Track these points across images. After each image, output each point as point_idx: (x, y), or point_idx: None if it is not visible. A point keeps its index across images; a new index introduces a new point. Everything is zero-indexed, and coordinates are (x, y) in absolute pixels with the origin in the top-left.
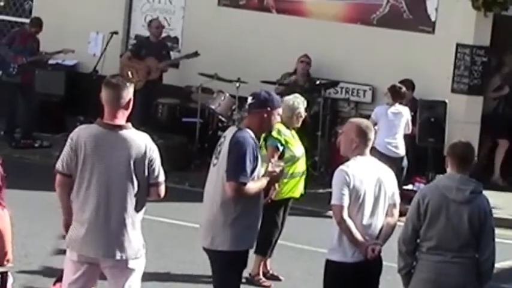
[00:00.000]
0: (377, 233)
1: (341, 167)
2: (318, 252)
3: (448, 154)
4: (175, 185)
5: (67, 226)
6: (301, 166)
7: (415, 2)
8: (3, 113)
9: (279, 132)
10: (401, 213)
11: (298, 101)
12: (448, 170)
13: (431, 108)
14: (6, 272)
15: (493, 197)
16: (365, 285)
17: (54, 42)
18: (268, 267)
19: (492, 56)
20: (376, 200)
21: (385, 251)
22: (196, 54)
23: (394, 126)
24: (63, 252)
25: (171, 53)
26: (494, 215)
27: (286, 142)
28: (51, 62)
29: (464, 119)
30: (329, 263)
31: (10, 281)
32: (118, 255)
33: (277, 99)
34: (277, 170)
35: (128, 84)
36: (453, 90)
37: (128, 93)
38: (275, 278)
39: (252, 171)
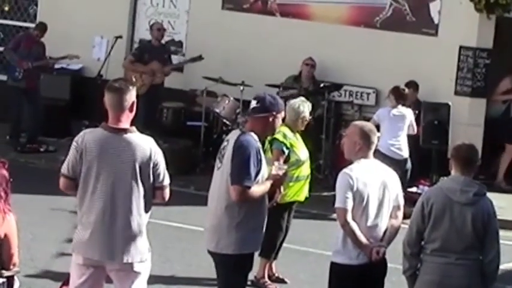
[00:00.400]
0: (381, 235)
1: (345, 170)
2: (323, 254)
3: (452, 156)
4: (180, 189)
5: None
6: (305, 169)
7: (418, 4)
8: (8, 118)
9: (284, 135)
10: (405, 216)
11: (304, 105)
12: (452, 172)
13: (435, 111)
14: (12, 276)
15: (496, 199)
16: (370, 287)
17: (59, 47)
18: (274, 270)
19: (499, 59)
20: (380, 202)
21: (390, 253)
22: (200, 58)
23: (397, 128)
24: (69, 256)
25: (176, 56)
26: (499, 217)
27: (292, 146)
28: (56, 66)
29: (467, 121)
30: (334, 266)
31: (16, 284)
32: (124, 259)
33: (281, 103)
34: (280, 173)
35: (130, 87)
36: (456, 93)
37: (131, 96)
38: (280, 281)
39: (256, 175)
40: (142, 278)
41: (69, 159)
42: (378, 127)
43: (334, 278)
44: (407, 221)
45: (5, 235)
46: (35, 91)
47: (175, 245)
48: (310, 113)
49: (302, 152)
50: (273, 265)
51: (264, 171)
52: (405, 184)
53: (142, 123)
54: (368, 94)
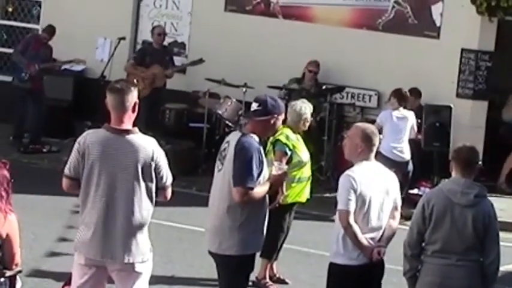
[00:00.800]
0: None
1: (347, 172)
2: (324, 255)
3: (453, 158)
4: (182, 190)
5: None
6: (307, 171)
7: (420, 7)
8: (12, 119)
9: (287, 137)
10: (406, 217)
11: (306, 106)
12: (453, 174)
13: (436, 113)
14: (14, 276)
15: (497, 201)
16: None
17: (62, 48)
18: (275, 271)
19: (501, 61)
20: (382, 205)
21: (390, 254)
22: (201, 61)
23: (399, 130)
24: (71, 256)
25: (178, 58)
26: (499, 219)
27: (294, 147)
28: None
29: (469, 124)
30: (333, 266)
31: (18, 284)
32: (125, 259)
33: (282, 105)
34: (280, 172)
35: (132, 87)
36: (458, 95)
37: (133, 96)
38: (282, 281)
39: (258, 176)
40: (143, 278)
41: (72, 159)
42: (381, 130)
43: (333, 279)
44: (408, 223)
45: (7, 235)
46: (40, 92)
47: (177, 246)
48: (312, 114)
49: (304, 153)
50: (274, 266)
51: (266, 172)
52: (406, 186)
53: (145, 125)
54: (370, 96)
